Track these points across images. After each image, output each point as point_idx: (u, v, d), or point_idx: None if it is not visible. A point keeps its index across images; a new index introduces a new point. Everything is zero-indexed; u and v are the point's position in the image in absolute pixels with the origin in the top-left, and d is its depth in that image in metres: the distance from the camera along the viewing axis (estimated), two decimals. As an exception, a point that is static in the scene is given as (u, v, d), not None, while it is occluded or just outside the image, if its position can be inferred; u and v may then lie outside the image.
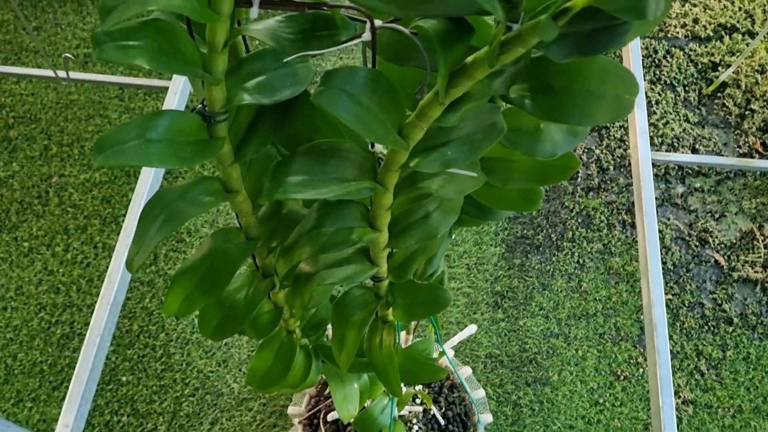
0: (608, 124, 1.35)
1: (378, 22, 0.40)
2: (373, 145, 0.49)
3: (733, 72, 1.39)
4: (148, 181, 1.07)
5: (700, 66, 1.42)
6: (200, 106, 0.41)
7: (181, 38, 0.37)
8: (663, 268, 1.20)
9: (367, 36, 0.41)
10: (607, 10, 0.29)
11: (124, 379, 1.11)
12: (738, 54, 1.41)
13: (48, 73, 1.22)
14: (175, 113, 0.40)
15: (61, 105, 1.40)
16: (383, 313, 0.64)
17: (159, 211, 0.46)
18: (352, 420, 0.79)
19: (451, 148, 0.45)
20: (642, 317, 1.16)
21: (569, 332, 1.15)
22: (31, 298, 1.18)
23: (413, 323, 0.87)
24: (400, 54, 0.43)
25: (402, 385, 0.75)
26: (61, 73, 1.15)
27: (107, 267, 1.19)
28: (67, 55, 1.02)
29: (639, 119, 1.12)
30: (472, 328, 0.98)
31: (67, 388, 1.10)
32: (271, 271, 0.57)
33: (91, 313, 1.16)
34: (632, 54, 1.20)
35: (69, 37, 1.50)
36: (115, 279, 0.99)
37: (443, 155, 0.44)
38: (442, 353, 0.90)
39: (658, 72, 1.41)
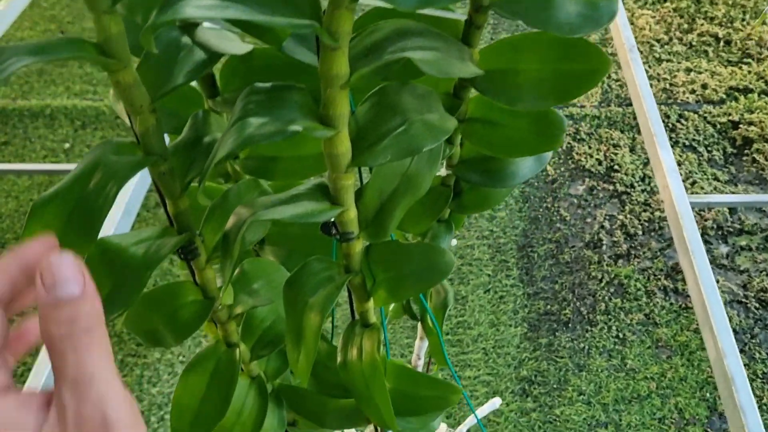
0: (627, 190, 1.20)
1: None
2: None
3: (757, 127, 1.26)
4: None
5: (718, 126, 1.29)
6: None
7: None
8: (722, 337, 0.99)
9: None
10: None
11: None
12: (757, 111, 1.29)
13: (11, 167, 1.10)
14: None
15: (20, 212, 1.27)
16: (361, 308, 0.45)
17: None
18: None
19: None
20: (709, 395, 0.93)
21: (620, 419, 0.91)
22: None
23: (418, 358, 0.66)
24: None
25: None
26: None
27: None
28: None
29: (665, 159, 0.97)
30: (495, 402, 0.76)
31: None
32: (188, 226, 0.39)
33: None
34: (650, 116, 1.08)
35: (38, 149, 1.40)
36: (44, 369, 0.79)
37: None
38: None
39: (674, 135, 1.28)
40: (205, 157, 0.36)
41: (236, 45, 0.38)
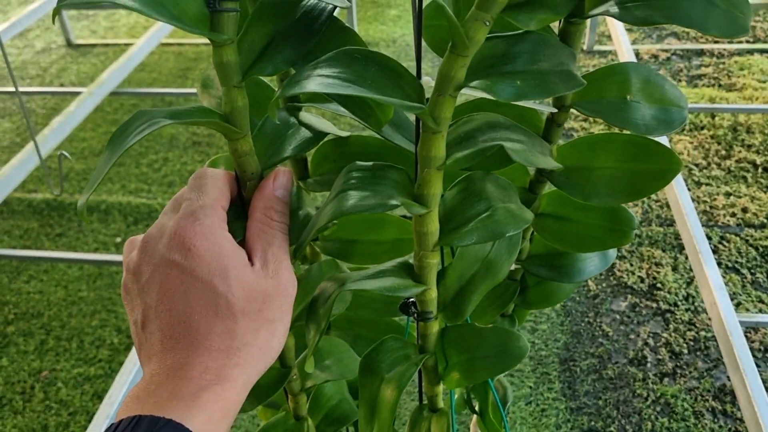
0: (671, 308, 1.19)
1: None
2: (419, 76, 0.38)
3: (800, 253, 1.26)
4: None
5: (761, 249, 1.30)
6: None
7: None
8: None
9: None
10: None
11: None
12: (800, 237, 1.30)
13: (62, 255, 1.14)
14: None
15: (67, 302, 1.30)
16: (430, 392, 0.46)
17: (138, 121, 0.33)
18: None
19: (520, 78, 0.33)
20: None
21: None
22: (-16, 508, 0.95)
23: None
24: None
25: None
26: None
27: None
28: (64, 153, 0.95)
29: (711, 277, 0.98)
30: None
31: None
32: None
33: None
34: (694, 233, 1.10)
35: (90, 242, 1.45)
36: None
37: (512, 82, 0.33)
38: None
39: (717, 257, 1.29)
40: (300, 227, 0.39)
41: (336, 129, 0.41)
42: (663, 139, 1.34)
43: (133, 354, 0.94)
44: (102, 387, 1.12)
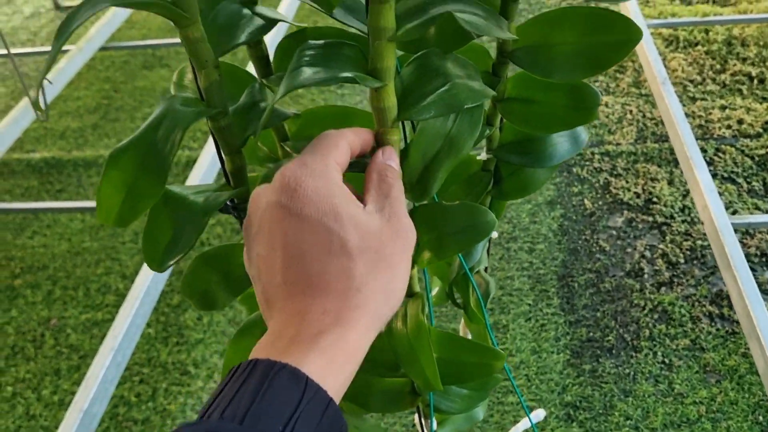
0: (667, 221, 1.20)
1: None
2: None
3: (796, 158, 1.26)
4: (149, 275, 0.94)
5: (757, 158, 1.29)
6: None
7: None
8: None
9: None
10: None
11: None
12: (797, 144, 1.29)
13: (74, 204, 1.16)
14: None
15: (71, 253, 1.32)
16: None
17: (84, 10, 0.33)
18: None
19: None
20: (762, 418, 0.90)
21: (669, 444, 0.89)
22: (4, 448, 0.99)
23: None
24: None
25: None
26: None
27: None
28: (47, 79, 0.95)
29: (702, 180, 0.98)
30: (539, 413, 0.75)
31: None
32: (243, 181, 0.42)
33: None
34: (685, 140, 1.09)
35: (90, 196, 1.47)
36: (93, 383, 0.81)
37: None
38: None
39: (712, 168, 1.28)
40: (260, 117, 0.39)
41: (288, 19, 0.41)
42: (653, 51, 1.32)
43: (135, 289, 0.96)
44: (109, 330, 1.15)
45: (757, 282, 1.07)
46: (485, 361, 0.46)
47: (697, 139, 1.35)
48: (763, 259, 1.11)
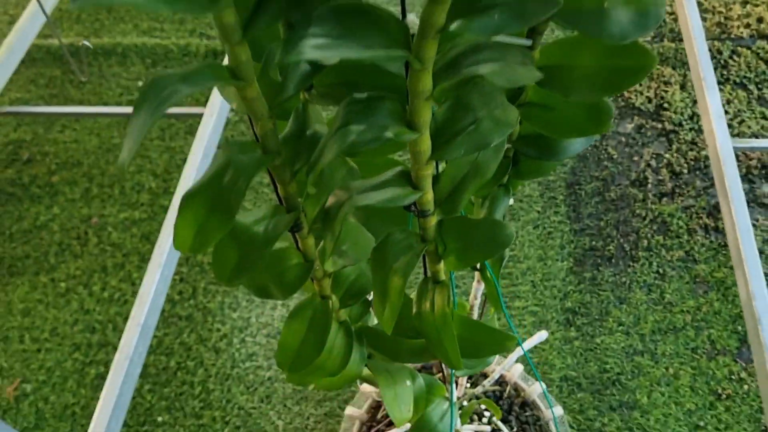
0: (675, 129, 1.24)
1: None
2: (404, 16, 0.41)
3: (810, 65, 1.27)
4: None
5: (771, 63, 1.31)
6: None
7: None
8: (758, 273, 1.05)
9: None
10: None
11: (160, 419, 1.01)
12: (813, 48, 1.30)
13: (96, 109, 1.21)
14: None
15: (103, 149, 1.38)
16: (433, 269, 0.53)
17: (156, 94, 0.38)
18: (405, 424, 0.67)
19: (498, 11, 0.36)
20: (741, 328, 1.01)
21: (656, 349, 1.00)
22: (65, 338, 1.12)
23: (474, 302, 0.75)
24: None
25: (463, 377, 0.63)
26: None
27: (144, 302, 1.12)
28: (86, 43, 0.98)
29: (711, 104, 1.01)
30: (542, 335, 0.85)
31: None
32: (295, 205, 0.48)
33: (127, 350, 1.08)
34: (699, 54, 1.10)
35: (113, 87, 1.50)
36: (146, 299, 0.91)
37: (490, 19, 0.35)
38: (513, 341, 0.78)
39: (725, 72, 1.30)
40: (308, 148, 0.45)
41: (332, 57, 0.45)
42: None
43: (172, 198, 1.04)
44: (147, 229, 1.24)
45: (754, 194, 1.14)
46: (500, 342, 0.55)
47: (714, 39, 1.35)
48: (763, 172, 1.17)
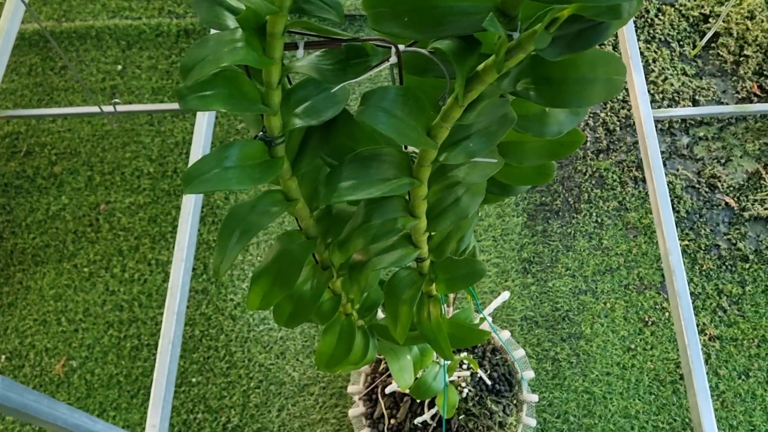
0: (610, 88, 1.42)
1: (401, 47, 0.49)
2: (406, 147, 0.58)
3: (723, 21, 1.45)
4: (192, 199, 1.17)
5: (691, 20, 1.48)
6: (261, 133, 0.50)
7: (244, 82, 0.46)
8: (677, 217, 1.28)
9: (393, 59, 0.50)
10: (588, 16, 0.38)
11: (194, 380, 1.22)
12: (726, 3, 1.47)
13: (89, 109, 1.32)
14: (242, 143, 0.49)
15: (97, 137, 1.50)
16: (427, 289, 0.73)
17: (235, 226, 0.55)
18: (409, 388, 0.88)
19: (472, 140, 0.53)
20: (662, 265, 1.23)
21: (596, 287, 1.23)
22: (98, 318, 1.29)
23: (452, 296, 0.95)
24: (421, 68, 0.52)
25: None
26: (108, 108, 1.25)
27: (163, 281, 1.30)
28: (117, 100, 1.11)
29: (637, 81, 1.19)
30: (505, 295, 1.06)
31: (143, 395, 1.21)
32: (328, 264, 0.66)
33: (155, 324, 1.26)
34: (627, 34, 1.27)
35: (94, 72, 1.60)
36: (176, 291, 1.09)
37: (466, 148, 0.53)
38: (483, 319, 0.99)
39: (651, 31, 1.47)
40: (336, 224, 0.63)
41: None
42: None
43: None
44: (153, 212, 1.39)
45: (675, 146, 1.34)
46: (478, 336, 0.75)
47: (642, -2, 1.51)
48: (683, 125, 1.37)
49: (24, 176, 1.47)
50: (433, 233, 0.67)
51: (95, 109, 1.40)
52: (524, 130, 0.59)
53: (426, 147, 0.51)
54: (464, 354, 1.06)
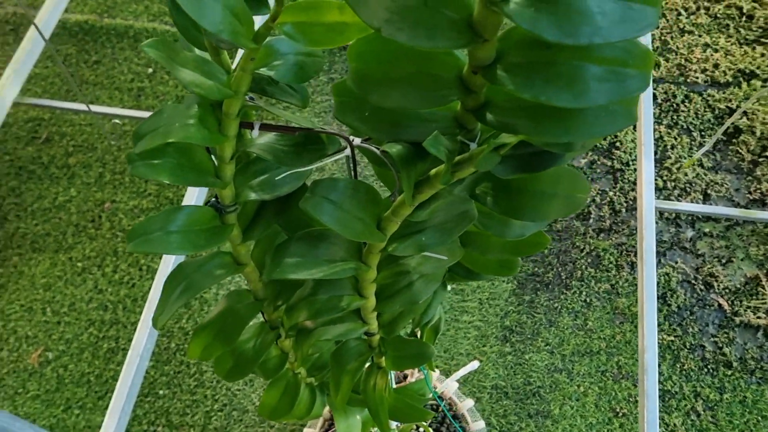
0: (623, 168, 1.41)
1: (357, 140, 0.50)
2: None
3: (748, 119, 1.43)
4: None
5: (717, 112, 1.46)
6: (213, 199, 0.51)
7: (196, 153, 0.47)
8: (667, 310, 1.26)
9: (347, 152, 0.50)
10: (536, 143, 0.38)
11: (161, 392, 1.23)
12: (748, 99, 1.45)
13: (99, 109, 1.36)
14: (191, 208, 0.50)
15: (115, 135, 1.53)
16: (378, 360, 0.73)
17: (179, 281, 0.56)
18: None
19: (425, 234, 0.53)
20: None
21: (572, 368, 1.21)
22: (82, 314, 1.31)
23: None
24: (380, 161, 0.52)
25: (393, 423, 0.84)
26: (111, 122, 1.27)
27: (150, 288, 1.31)
28: (116, 121, 1.14)
29: (646, 169, 1.18)
30: (474, 364, 1.05)
31: (110, 398, 1.22)
32: (277, 324, 0.67)
33: (135, 330, 1.28)
34: (643, 104, 1.26)
35: (125, 71, 1.64)
36: (155, 304, 1.10)
37: (418, 241, 0.53)
38: (433, 397, 0.98)
39: (675, 117, 1.46)
40: (287, 288, 0.63)
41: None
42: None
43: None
44: (154, 218, 1.41)
45: (678, 237, 1.32)
46: (421, 415, 0.75)
47: (672, 82, 1.50)
48: (690, 218, 1.35)
49: (39, 162, 1.51)
50: (382, 314, 0.67)
51: (109, 109, 1.44)
52: (486, 229, 0.58)
53: (371, 241, 0.51)
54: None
